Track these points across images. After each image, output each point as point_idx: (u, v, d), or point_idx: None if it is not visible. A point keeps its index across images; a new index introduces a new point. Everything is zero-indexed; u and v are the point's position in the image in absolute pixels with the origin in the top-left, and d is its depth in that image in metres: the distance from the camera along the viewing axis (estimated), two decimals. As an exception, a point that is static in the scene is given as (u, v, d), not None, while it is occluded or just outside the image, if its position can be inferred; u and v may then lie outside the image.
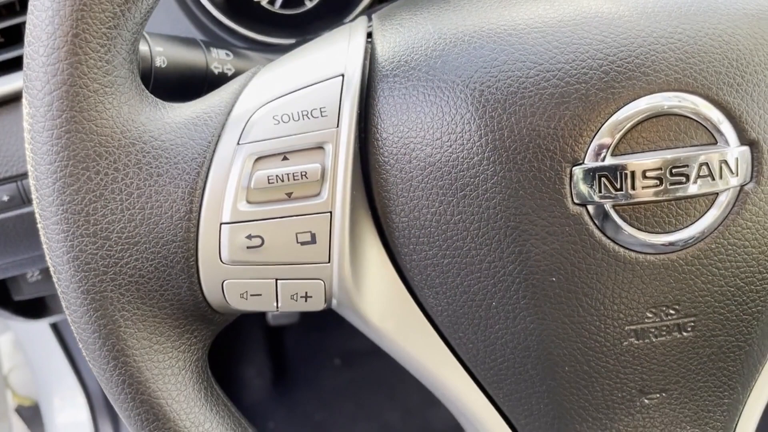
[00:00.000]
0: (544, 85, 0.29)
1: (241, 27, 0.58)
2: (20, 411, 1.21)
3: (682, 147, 0.29)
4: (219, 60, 0.43)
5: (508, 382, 0.32)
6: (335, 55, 0.31)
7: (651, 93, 0.29)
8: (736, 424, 0.34)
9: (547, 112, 0.28)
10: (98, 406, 1.08)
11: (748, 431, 0.35)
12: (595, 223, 0.29)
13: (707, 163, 0.29)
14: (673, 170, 0.29)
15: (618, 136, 0.29)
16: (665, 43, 0.29)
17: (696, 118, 0.29)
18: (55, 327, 0.97)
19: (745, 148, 0.29)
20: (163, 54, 0.41)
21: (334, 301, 0.31)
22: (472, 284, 0.30)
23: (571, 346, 0.31)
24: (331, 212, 0.29)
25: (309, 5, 0.63)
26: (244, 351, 1.15)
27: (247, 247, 0.29)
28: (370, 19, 0.34)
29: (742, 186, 0.30)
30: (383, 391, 1.16)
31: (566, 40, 0.29)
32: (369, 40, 0.32)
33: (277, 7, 0.62)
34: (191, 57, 0.42)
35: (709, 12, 0.30)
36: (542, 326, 0.31)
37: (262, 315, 1.11)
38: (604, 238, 0.29)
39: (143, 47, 0.40)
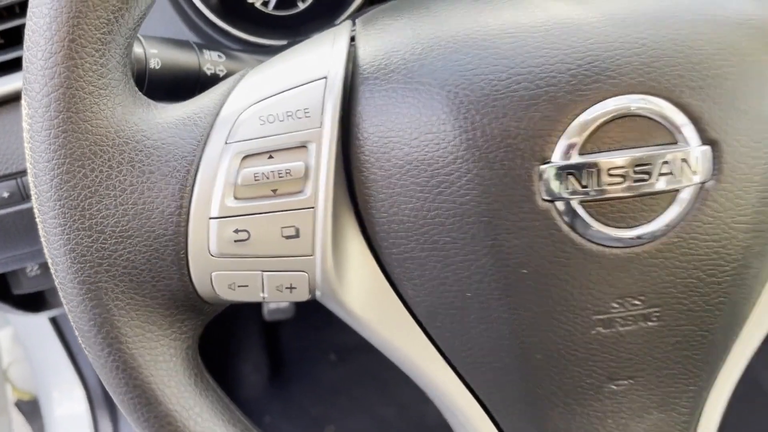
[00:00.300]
0: (515, 87, 0.30)
1: (234, 29, 0.60)
2: (20, 405, 1.23)
3: (646, 146, 0.31)
4: (211, 61, 0.44)
5: (483, 369, 0.34)
6: (319, 58, 0.33)
7: (616, 95, 0.30)
8: (702, 410, 0.36)
9: (517, 113, 0.30)
10: (96, 398, 1.10)
11: (714, 417, 0.36)
12: (563, 219, 0.31)
13: (670, 162, 0.30)
14: (637, 168, 0.30)
15: (584, 136, 0.30)
16: (630, 48, 0.31)
17: (659, 119, 0.30)
18: (54, 321, 0.98)
19: (707, 148, 0.31)
20: (157, 56, 0.42)
21: (318, 293, 0.33)
22: (449, 276, 0.32)
23: (542, 335, 0.32)
24: (314, 208, 0.31)
25: (302, 6, 0.64)
26: (241, 347, 1.17)
27: (235, 241, 0.31)
28: (354, 24, 0.36)
29: (703, 183, 0.31)
30: (378, 387, 1.17)
31: (537, 45, 0.31)
32: (353, 43, 0.34)
33: (270, 9, 0.64)
34: (184, 59, 0.43)
35: (673, 19, 0.32)
36: (514, 316, 0.32)
37: (257, 311, 1.12)
38: (571, 233, 0.31)
39: (138, 49, 0.41)
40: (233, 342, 1.17)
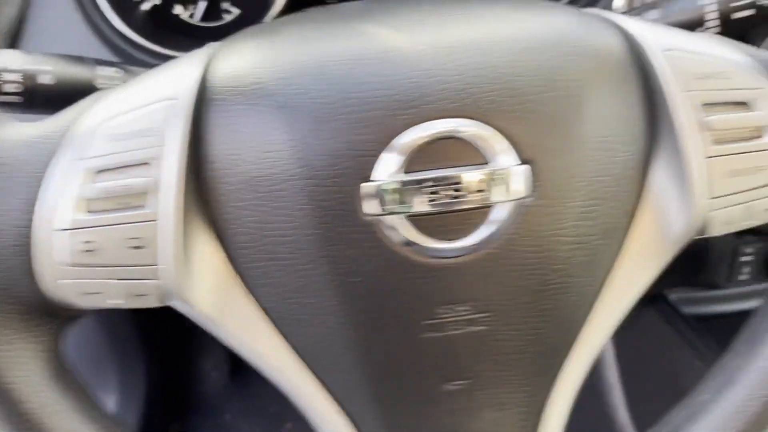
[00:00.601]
0: (343, 111, 0.33)
1: (156, 44, 0.62)
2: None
3: (465, 166, 0.33)
4: (106, 77, 0.47)
5: (334, 370, 0.36)
6: (172, 79, 0.35)
7: (434, 119, 0.33)
8: (542, 411, 0.38)
9: (343, 135, 0.33)
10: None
11: (555, 418, 0.39)
12: (386, 233, 0.33)
13: (487, 180, 0.33)
14: (455, 186, 0.33)
15: (405, 156, 0.33)
16: (451, 75, 0.33)
17: (477, 141, 0.33)
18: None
19: (523, 167, 0.33)
20: (51, 72, 0.45)
21: (170, 299, 0.35)
22: (290, 284, 0.35)
23: (377, 339, 0.35)
24: (155, 221, 0.33)
25: (228, 18, 0.66)
26: (202, 344, 1.19)
27: (84, 251, 0.33)
28: (215, 46, 0.38)
29: (519, 200, 0.34)
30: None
31: (365, 72, 0.33)
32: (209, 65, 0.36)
33: (197, 20, 0.66)
34: (78, 74, 0.46)
35: (496, 47, 0.34)
36: (352, 321, 0.35)
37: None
38: (395, 246, 0.33)
39: (30, 66, 0.44)
40: (194, 340, 1.19)
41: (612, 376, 0.96)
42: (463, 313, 0.35)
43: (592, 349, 0.39)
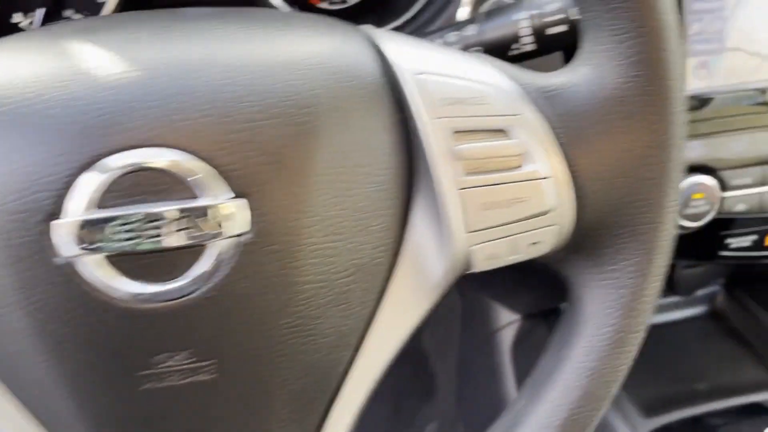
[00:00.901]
0: (29, 139, 0.29)
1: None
2: None
3: (169, 200, 0.30)
4: None
5: (61, 422, 0.33)
6: None
7: (131, 149, 0.29)
8: None
9: (28, 167, 0.29)
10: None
11: None
12: (82, 276, 0.30)
13: (195, 215, 0.30)
14: (157, 223, 0.29)
15: (98, 191, 0.29)
16: (150, 100, 0.30)
17: (180, 172, 0.30)
18: None
19: (237, 201, 0.30)
20: None
21: None
22: None
23: (96, 391, 0.32)
24: None
25: (71, 26, 0.63)
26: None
27: None
28: None
29: (236, 236, 0.30)
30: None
31: (53, 97, 0.30)
32: None
33: (35, 28, 0.62)
34: None
35: (212, 68, 0.31)
36: (64, 371, 0.31)
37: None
38: (93, 290, 0.30)
39: None
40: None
41: (511, 390, 0.94)
42: (185, 362, 0.31)
43: (361, 392, 0.36)
